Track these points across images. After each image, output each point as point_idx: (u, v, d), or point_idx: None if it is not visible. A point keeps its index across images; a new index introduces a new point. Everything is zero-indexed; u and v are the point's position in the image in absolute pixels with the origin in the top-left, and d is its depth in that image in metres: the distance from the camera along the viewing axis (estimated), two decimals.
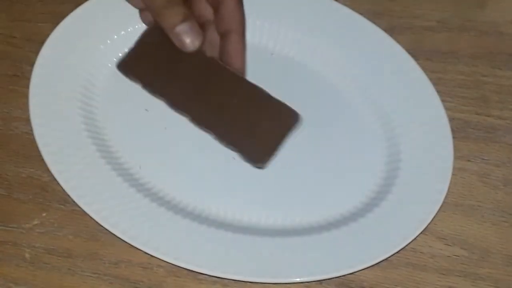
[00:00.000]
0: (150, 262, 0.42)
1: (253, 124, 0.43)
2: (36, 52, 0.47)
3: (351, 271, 0.41)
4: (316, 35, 0.51)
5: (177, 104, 0.45)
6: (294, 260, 0.42)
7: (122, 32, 0.49)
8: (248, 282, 0.41)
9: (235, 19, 0.44)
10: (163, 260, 0.41)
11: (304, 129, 0.47)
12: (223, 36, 0.45)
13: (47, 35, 0.48)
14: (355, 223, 0.44)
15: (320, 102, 0.49)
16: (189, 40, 0.43)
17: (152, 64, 0.45)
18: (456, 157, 0.46)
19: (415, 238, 0.43)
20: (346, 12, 0.51)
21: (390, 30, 0.51)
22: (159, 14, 0.44)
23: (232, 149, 0.44)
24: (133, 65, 0.46)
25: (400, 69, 0.49)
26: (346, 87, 0.50)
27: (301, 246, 0.42)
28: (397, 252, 0.42)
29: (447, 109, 0.48)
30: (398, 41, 0.50)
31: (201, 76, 0.45)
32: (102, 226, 0.42)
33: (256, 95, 0.44)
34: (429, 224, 0.43)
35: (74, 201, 0.42)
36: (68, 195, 0.42)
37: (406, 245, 0.42)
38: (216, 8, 0.45)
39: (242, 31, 0.45)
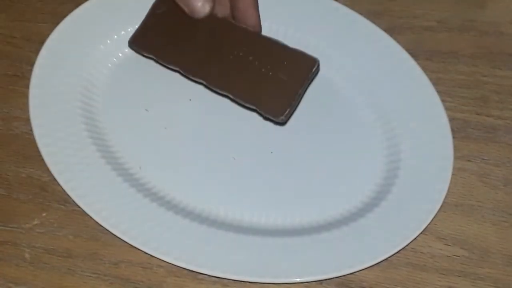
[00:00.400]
0: (150, 262, 0.42)
1: (270, 77, 0.43)
2: (36, 52, 0.47)
3: (351, 271, 0.41)
4: (316, 35, 0.51)
5: (191, 70, 0.44)
6: (294, 260, 0.42)
7: (122, 32, 0.49)
8: (248, 282, 0.41)
9: None
10: (163, 260, 0.41)
11: (304, 128, 0.48)
12: None
13: (47, 35, 0.48)
14: (355, 223, 0.44)
15: (320, 102, 0.49)
16: (200, 3, 0.42)
17: (164, 35, 0.45)
18: (456, 157, 0.46)
19: (415, 238, 0.43)
20: (346, 12, 0.51)
21: (390, 30, 0.51)
22: None
23: (250, 106, 0.43)
24: (145, 39, 0.45)
25: (400, 69, 0.49)
26: (346, 87, 0.50)
27: (301, 246, 0.42)
28: (397, 252, 0.42)
29: (447, 109, 0.48)
30: (398, 41, 0.50)
31: (214, 38, 0.44)
32: (102, 226, 0.42)
33: (271, 48, 0.43)
34: (429, 224, 0.43)
35: (74, 201, 0.42)
36: (68, 195, 0.42)
37: (406, 245, 0.42)
38: None
39: None
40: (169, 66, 0.45)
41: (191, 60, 0.44)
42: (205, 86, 0.45)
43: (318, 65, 0.43)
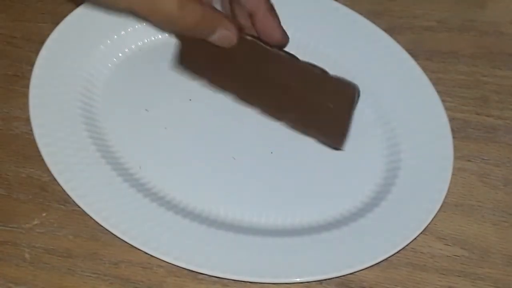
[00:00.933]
0: (150, 262, 0.42)
1: (318, 105, 0.43)
2: (36, 52, 0.47)
3: (351, 271, 0.41)
4: (316, 35, 0.51)
5: (245, 97, 0.45)
6: (294, 260, 0.42)
7: (122, 32, 0.49)
8: (248, 282, 0.41)
9: (256, 1, 0.43)
10: (163, 260, 0.41)
11: None
12: (251, 16, 0.44)
13: (47, 35, 0.48)
14: (355, 223, 0.44)
15: None
16: (225, 35, 0.42)
17: (207, 58, 0.45)
18: (456, 157, 0.46)
19: (415, 238, 0.43)
20: (346, 12, 0.51)
21: (390, 30, 0.51)
22: (193, 33, 0.42)
23: (306, 135, 0.45)
24: (192, 60, 0.46)
25: (400, 69, 0.49)
26: None
27: (301, 246, 0.42)
28: (397, 252, 0.42)
29: (447, 109, 0.48)
30: (398, 41, 0.50)
31: (252, 63, 0.44)
32: (102, 226, 0.42)
33: (309, 74, 0.43)
34: (429, 224, 0.43)
35: (74, 201, 0.42)
36: (68, 195, 0.42)
37: (406, 245, 0.42)
38: None
39: (269, 7, 0.43)
40: (221, 90, 0.46)
41: (241, 86, 0.45)
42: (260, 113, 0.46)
43: (359, 92, 0.43)
